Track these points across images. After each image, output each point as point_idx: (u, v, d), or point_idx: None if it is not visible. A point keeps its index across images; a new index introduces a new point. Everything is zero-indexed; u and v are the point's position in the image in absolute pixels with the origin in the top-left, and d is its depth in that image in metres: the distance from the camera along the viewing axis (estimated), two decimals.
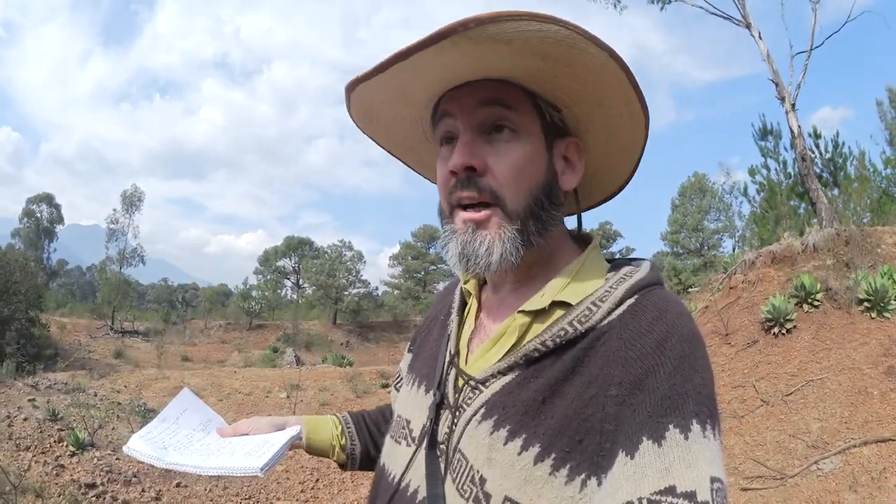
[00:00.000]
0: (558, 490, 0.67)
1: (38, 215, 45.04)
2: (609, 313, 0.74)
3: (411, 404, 0.94)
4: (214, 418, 1.09)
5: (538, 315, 0.80)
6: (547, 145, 0.83)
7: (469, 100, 0.79)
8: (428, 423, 0.85)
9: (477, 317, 0.93)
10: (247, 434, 1.04)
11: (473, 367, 0.84)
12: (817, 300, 6.78)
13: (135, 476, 6.07)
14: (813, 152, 10.38)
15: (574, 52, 0.72)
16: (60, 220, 46.88)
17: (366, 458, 1.16)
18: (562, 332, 0.74)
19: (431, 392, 0.88)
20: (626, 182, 0.97)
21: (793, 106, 9.78)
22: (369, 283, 44.33)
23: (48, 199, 45.70)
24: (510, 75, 0.78)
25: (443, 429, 0.83)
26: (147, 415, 9.38)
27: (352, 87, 0.79)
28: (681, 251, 39.69)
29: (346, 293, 41.34)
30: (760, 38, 10.37)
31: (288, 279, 47.57)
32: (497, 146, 0.79)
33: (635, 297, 0.76)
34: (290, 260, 47.17)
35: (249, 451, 0.95)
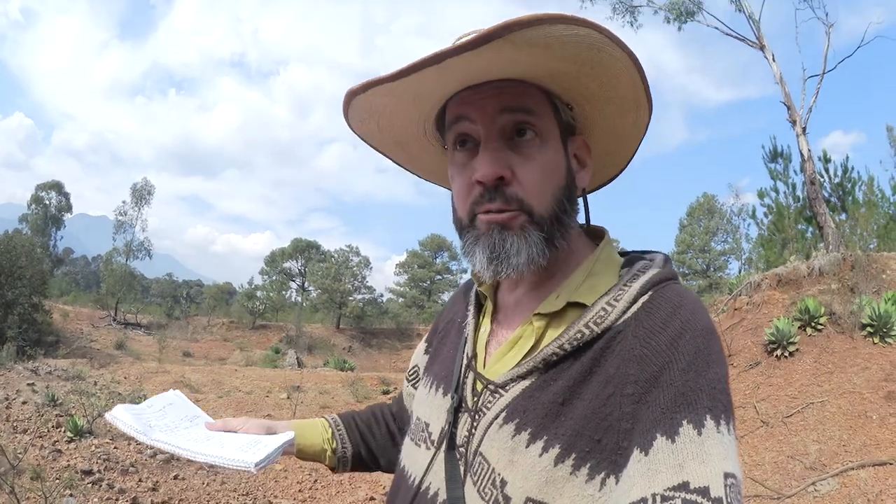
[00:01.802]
0: (579, 489, 0.67)
1: (47, 202, 45.10)
2: (624, 312, 0.74)
3: (429, 407, 0.94)
4: (202, 415, 1.05)
5: (554, 317, 0.80)
6: (563, 145, 0.82)
7: (490, 103, 0.77)
8: (447, 427, 0.85)
9: (493, 319, 0.92)
10: (236, 432, 1.01)
11: (491, 371, 0.84)
12: (821, 324, 6.77)
13: (132, 466, 6.06)
14: (822, 176, 10.39)
15: (602, 55, 0.73)
16: (69, 208, 46.95)
17: (357, 459, 1.16)
18: (578, 335, 0.75)
19: (449, 395, 0.88)
20: (620, 172, 0.99)
21: (804, 129, 9.78)
22: (374, 290, 44.23)
23: (57, 187, 45.74)
24: (535, 77, 0.77)
25: (462, 432, 0.83)
26: None
27: (369, 87, 0.73)
28: (687, 272, 39.60)
29: (350, 298, 41.24)
30: (774, 60, 10.39)
31: (293, 281, 47.53)
32: (522, 151, 0.78)
33: (649, 293, 0.76)
34: (297, 262, 47.12)
35: (241, 446, 0.93)
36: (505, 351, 0.84)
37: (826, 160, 10.73)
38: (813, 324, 6.78)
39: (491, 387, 0.81)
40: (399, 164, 1.01)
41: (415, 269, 47.98)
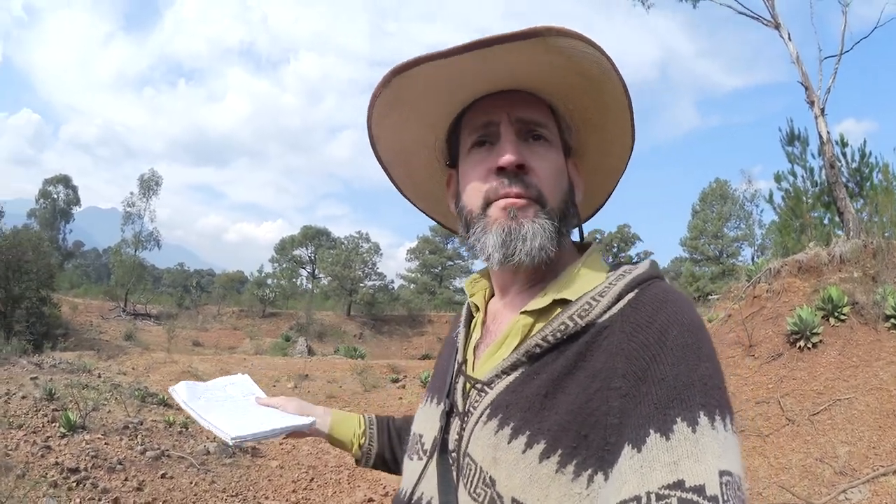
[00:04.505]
0: (565, 487, 0.66)
1: (55, 196, 45.36)
2: (609, 308, 0.75)
3: (424, 419, 0.96)
4: (258, 392, 1.25)
5: (541, 314, 0.81)
6: (565, 159, 0.89)
7: (512, 110, 0.84)
8: (438, 433, 0.85)
9: (484, 326, 0.94)
10: (275, 407, 1.19)
11: (480, 372, 0.85)
12: (844, 314, 6.42)
13: (120, 463, 5.85)
14: (840, 161, 10.00)
15: (605, 77, 0.80)
16: (77, 201, 47.27)
17: (380, 460, 1.25)
18: (562, 327, 0.75)
19: (442, 403, 0.89)
20: (601, 205, 1.06)
21: (822, 111, 9.42)
22: (385, 276, 44.49)
23: (65, 181, 46.11)
24: (550, 89, 0.85)
25: (453, 436, 0.83)
26: (146, 399, 9.25)
27: (418, 63, 0.77)
28: (699, 258, 39.40)
29: (361, 285, 41.30)
30: (790, 39, 10.02)
31: (304, 269, 47.73)
32: (536, 151, 0.84)
33: (635, 291, 0.76)
34: (307, 249, 47.34)
35: (250, 420, 1.07)
36: (493, 350, 0.85)
37: (843, 144, 10.31)
38: (836, 314, 6.43)
39: (478, 386, 0.82)
40: (393, 180, 1.04)
41: (426, 255, 48.29)
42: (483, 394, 0.80)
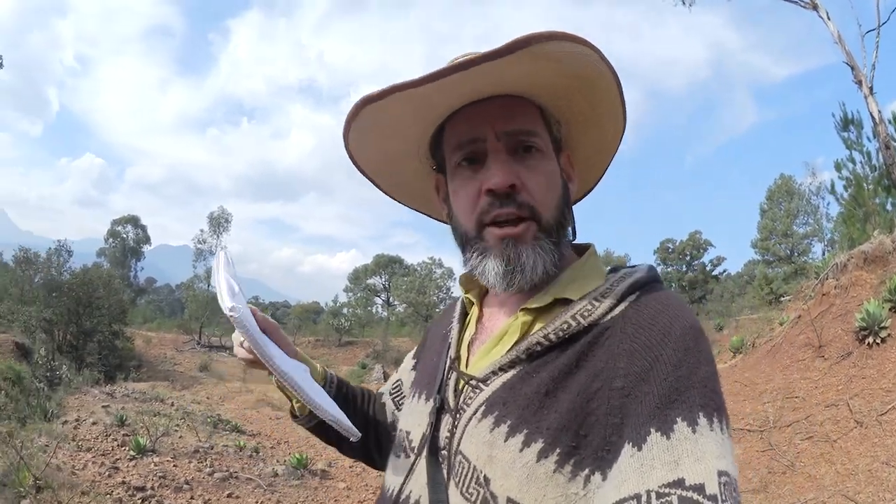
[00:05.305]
0: (563, 488, 0.66)
1: (124, 236, 47.53)
2: (611, 309, 0.75)
3: (412, 415, 0.94)
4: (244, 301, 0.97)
5: (541, 312, 0.81)
6: (556, 159, 0.87)
7: (499, 123, 0.81)
8: (428, 429, 0.84)
9: (478, 322, 0.93)
10: (271, 340, 0.99)
11: (475, 368, 0.84)
12: None
13: (187, 483, 6.04)
14: (894, 141, 9.50)
15: (598, 74, 0.78)
16: (147, 240, 49.51)
17: (322, 423, 1.08)
18: (564, 326, 0.75)
19: (432, 399, 0.87)
20: (593, 186, 1.05)
21: (870, 89, 9.02)
22: None
23: (133, 221, 48.46)
24: (537, 92, 0.82)
25: (443, 434, 0.81)
26: (218, 425, 9.49)
27: (388, 93, 0.74)
28: (771, 259, 37.72)
29: (437, 310, 41.51)
30: (829, 18, 9.69)
31: (378, 297, 48.28)
32: (527, 163, 0.81)
33: (636, 293, 0.77)
34: (381, 278, 47.92)
35: (324, 399, 0.92)
36: (490, 347, 0.84)
37: (895, 123, 9.79)
38: None
39: (472, 382, 0.80)
40: (383, 190, 1.03)
41: None
42: (478, 391, 0.79)
